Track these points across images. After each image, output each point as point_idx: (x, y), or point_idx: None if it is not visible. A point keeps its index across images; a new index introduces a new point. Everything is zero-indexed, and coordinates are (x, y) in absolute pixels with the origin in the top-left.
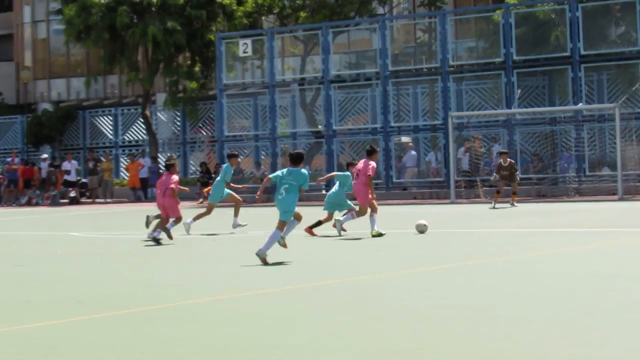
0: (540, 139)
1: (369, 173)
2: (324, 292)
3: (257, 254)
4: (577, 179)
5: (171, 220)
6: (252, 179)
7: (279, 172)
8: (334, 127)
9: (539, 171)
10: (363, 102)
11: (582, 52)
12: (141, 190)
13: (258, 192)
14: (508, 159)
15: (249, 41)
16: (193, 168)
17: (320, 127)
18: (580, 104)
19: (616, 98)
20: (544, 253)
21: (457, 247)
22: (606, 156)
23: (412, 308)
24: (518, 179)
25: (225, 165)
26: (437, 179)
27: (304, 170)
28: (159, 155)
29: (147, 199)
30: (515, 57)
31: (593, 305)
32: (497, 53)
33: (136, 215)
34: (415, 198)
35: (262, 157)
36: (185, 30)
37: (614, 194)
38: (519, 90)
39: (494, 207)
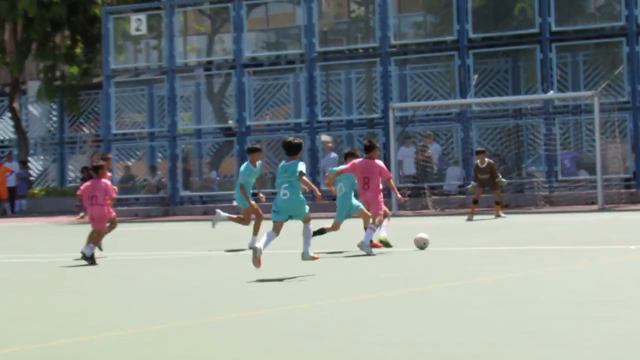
0: (502, 136)
1: (388, 177)
2: (246, 325)
3: (304, 258)
4: (547, 185)
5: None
6: (145, 188)
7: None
8: (248, 123)
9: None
10: (284, 91)
11: (554, 28)
12: (7, 202)
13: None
14: (486, 159)
15: (143, 16)
16: (72, 174)
17: (231, 122)
18: (551, 91)
19: (595, 84)
20: (506, 276)
21: (402, 269)
22: (583, 156)
23: (347, 344)
24: (503, 183)
25: (245, 164)
26: None
27: (301, 162)
28: (30, 159)
29: (15, 213)
30: (471, 35)
31: (568, 340)
32: (449, 30)
33: (1, 234)
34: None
35: (159, 160)
36: (65, 3)
37: (592, 203)
38: (476, 76)
39: (470, 220)
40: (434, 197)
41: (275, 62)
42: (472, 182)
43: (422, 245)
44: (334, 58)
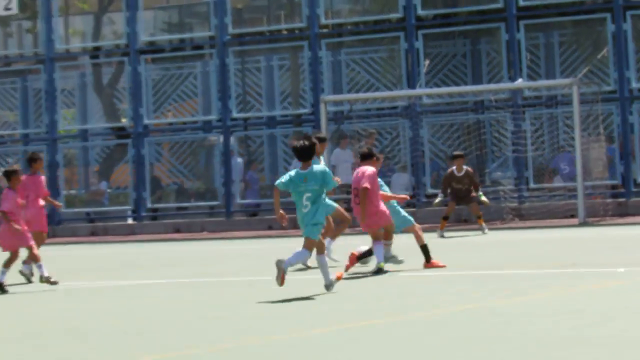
0: (460, 135)
1: (364, 185)
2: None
3: (277, 264)
4: (516, 195)
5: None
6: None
7: (286, 176)
8: (146, 121)
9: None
10: (190, 82)
11: (521, 3)
12: None
13: (277, 215)
14: (464, 167)
15: None
16: None
17: (124, 121)
18: (520, 79)
19: (573, 71)
20: (468, 308)
21: (334, 302)
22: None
23: None
24: (486, 203)
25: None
26: None
27: (319, 166)
28: None
29: None
30: (420, 12)
31: None
32: (393, 6)
33: None
34: (271, 227)
35: None
36: None
37: (572, 217)
38: (427, 62)
39: (442, 236)
40: None
41: (179, 47)
42: (440, 195)
43: None
44: (252, 42)
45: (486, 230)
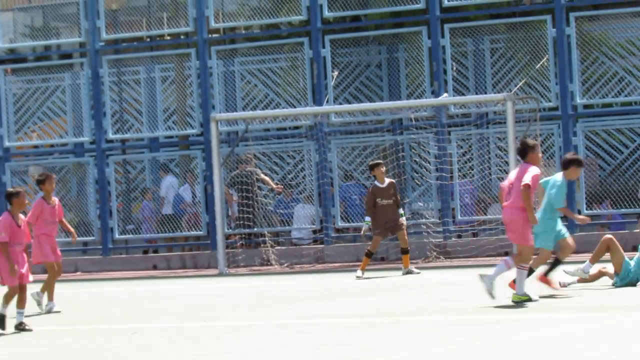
0: (376, 159)
1: (525, 182)
2: None
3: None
4: (441, 229)
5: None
6: None
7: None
8: (7, 144)
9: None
10: (58, 97)
11: (446, 3)
12: None
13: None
14: (386, 179)
15: None
16: None
17: None
18: (445, 94)
19: (508, 83)
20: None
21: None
22: (492, 186)
23: None
24: (402, 219)
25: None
26: (195, 233)
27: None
28: None
29: None
30: (327, 14)
31: None
32: (295, 7)
33: None
34: (155, 267)
35: None
36: None
37: (506, 254)
38: (336, 73)
39: (361, 277)
40: (277, 247)
41: (44, 56)
42: (366, 220)
43: None
44: (129, 49)
45: (415, 270)
